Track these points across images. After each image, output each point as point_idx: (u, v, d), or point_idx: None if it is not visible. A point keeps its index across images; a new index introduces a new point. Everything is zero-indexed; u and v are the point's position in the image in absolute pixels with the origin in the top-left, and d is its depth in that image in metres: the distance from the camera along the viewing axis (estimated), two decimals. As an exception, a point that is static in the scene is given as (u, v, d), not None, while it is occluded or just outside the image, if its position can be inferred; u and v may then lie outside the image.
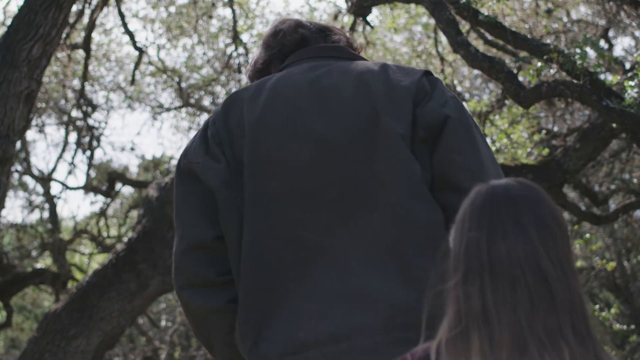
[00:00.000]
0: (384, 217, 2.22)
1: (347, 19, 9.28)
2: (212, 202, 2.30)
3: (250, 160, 2.30)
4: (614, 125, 5.90)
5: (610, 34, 10.06)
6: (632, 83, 5.40)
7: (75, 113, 11.84)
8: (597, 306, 9.96)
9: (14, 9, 12.36)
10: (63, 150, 12.44)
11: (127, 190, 14.49)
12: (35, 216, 14.65)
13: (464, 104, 10.54)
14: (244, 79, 10.67)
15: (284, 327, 2.19)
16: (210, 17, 10.72)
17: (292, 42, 2.60)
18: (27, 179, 13.97)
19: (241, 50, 10.51)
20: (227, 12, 16.18)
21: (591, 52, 7.10)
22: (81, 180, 20.06)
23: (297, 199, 2.26)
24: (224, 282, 2.29)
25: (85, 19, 9.78)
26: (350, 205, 2.24)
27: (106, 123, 13.32)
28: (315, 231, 2.24)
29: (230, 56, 10.64)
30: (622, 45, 31.87)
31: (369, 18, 8.26)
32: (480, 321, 1.63)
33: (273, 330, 2.19)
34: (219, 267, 2.30)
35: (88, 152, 12.23)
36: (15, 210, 33.50)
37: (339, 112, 2.32)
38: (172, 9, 10.94)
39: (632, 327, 10.76)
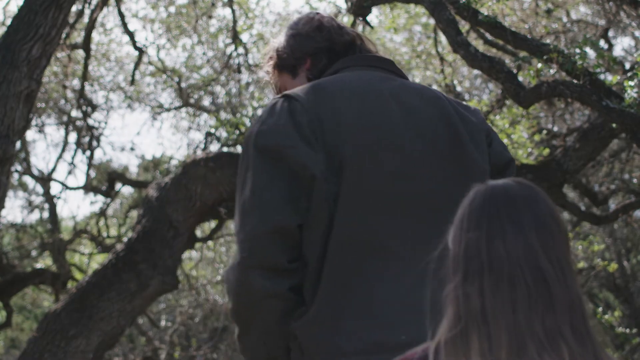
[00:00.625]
0: None
1: (346, 19, 9.28)
2: (296, 188, 2.31)
3: (349, 161, 2.33)
4: (614, 125, 5.90)
5: (610, 34, 10.06)
6: (632, 83, 5.40)
7: (75, 113, 11.84)
8: (600, 309, 9.96)
9: (13, 9, 12.35)
10: (63, 150, 12.44)
11: (127, 190, 14.49)
12: (35, 216, 14.65)
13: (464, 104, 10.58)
14: (244, 79, 10.67)
15: (363, 326, 2.25)
16: (210, 17, 10.72)
17: (343, 43, 2.67)
18: (27, 179, 13.98)
19: (241, 50, 10.51)
20: (227, 12, 16.19)
21: (591, 52, 7.10)
22: (81, 180, 20.06)
23: (387, 206, 2.35)
24: (291, 270, 2.32)
25: (85, 19, 9.78)
26: (430, 223, 2.35)
27: (106, 123, 13.33)
28: (397, 239, 2.33)
29: (230, 56, 10.64)
30: (622, 45, 31.89)
31: (368, 18, 8.25)
32: (479, 321, 1.63)
33: (351, 327, 2.25)
34: (291, 253, 2.32)
35: (88, 152, 12.22)
36: (15, 210, 33.50)
37: (424, 133, 2.44)
38: (172, 9, 10.94)
39: (635, 330, 10.76)
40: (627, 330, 9.68)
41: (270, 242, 2.29)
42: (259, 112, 10.28)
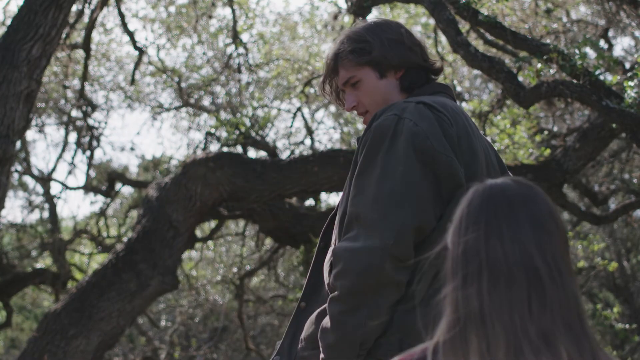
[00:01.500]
0: None
1: (347, 19, 9.28)
2: (439, 193, 2.49)
3: (479, 179, 2.45)
4: (614, 125, 5.90)
5: (610, 34, 10.05)
6: (631, 83, 5.40)
7: (75, 113, 11.84)
8: (599, 306, 9.95)
9: (14, 9, 12.35)
10: (63, 150, 12.43)
11: (127, 190, 14.48)
12: (35, 216, 14.64)
13: (464, 104, 10.57)
14: (244, 79, 10.67)
15: None
16: (210, 17, 10.72)
17: (437, 69, 2.90)
18: (27, 179, 13.97)
19: (241, 50, 10.51)
20: (227, 12, 16.19)
21: (591, 52, 7.10)
22: (81, 180, 20.06)
23: None
24: (410, 265, 2.47)
25: (85, 19, 9.77)
26: None
27: (106, 123, 13.28)
28: None
29: (230, 56, 10.64)
30: (621, 45, 31.88)
31: (368, 18, 8.26)
32: (478, 322, 1.63)
33: None
34: (414, 250, 2.47)
35: (88, 152, 12.22)
36: (15, 210, 33.55)
37: (493, 161, 2.73)
38: (172, 9, 10.94)
39: (634, 326, 10.76)
40: (627, 326, 9.66)
41: (412, 237, 2.45)
42: (259, 112, 10.30)
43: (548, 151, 8.71)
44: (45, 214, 13.73)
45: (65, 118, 12.03)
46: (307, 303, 2.73)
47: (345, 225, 2.54)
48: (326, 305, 2.53)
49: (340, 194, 2.78)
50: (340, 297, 2.46)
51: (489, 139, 9.24)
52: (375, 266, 2.41)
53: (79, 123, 11.95)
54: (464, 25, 7.17)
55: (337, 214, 2.66)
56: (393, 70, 2.80)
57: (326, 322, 2.49)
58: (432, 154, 2.48)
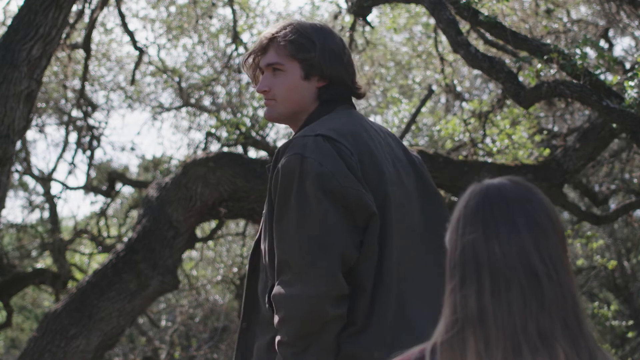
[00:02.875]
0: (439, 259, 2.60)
1: (347, 19, 9.27)
2: (355, 225, 2.58)
3: (391, 200, 2.65)
4: (614, 125, 5.90)
5: (610, 33, 10.05)
6: (632, 83, 5.40)
7: (75, 113, 11.84)
8: (596, 304, 9.94)
9: (14, 9, 12.35)
10: (63, 150, 12.43)
11: (127, 190, 14.48)
12: (35, 216, 14.65)
13: (464, 104, 10.54)
14: (245, 79, 10.66)
15: (413, 342, 2.50)
16: (211, 17, 10.72)
17: (360, 95, 2.93)
18: (27, 178, 13.97)
19: (241, 50, 10.50)
20: (227, 12, 16.19)
21: (591, 52, 7.10)
22: (81, 180, 20.03)
23: (411, 238, 2.72)
24: (347, 294, 2.59)
25: (86, 19, 9.77)
26: (419, 250, 2.75)
27: (106, 123, 13.24)
28: (415, 268, 2.72)
29: (230, 56, 10.64)
30: (622, 45, 31.88)
31: (369, 18, 8.26)
32: (476, 323, 1.63)
33: (406, 344, 2.47)
34: (346, 280, 2.60)
35: (88, 152, 12.22)
36: (15, 210, 33.51)
37: (405, 167, 2.81)
38: (173, 9, 10.94)
39: (631, 322, 10.76)
40: (624, 323, 9.67)
41: (340, 272, 2.56)
42: (260, 112, 10.29)
43: (548, 151, 8.70)
44: (46, 214, 13.74)
45: (65, 118, 12.03)
46: (248, 323, 2.82)
47: (277, 270, 2.60)
48: (275, 336, 2.62)
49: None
50: (289, 342, 2.55)
51: (488, 139, 9.26)
52: (316, 312, 2.52)
53: (79, 123, 11.95)
54: (464, 25, 7.17)
55: (264, 248, 2.72)
56: (317, 77, 2.80)
57: None
58: (341, 192, 2.55)
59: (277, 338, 2.58)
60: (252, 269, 2.82)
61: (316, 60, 2.77)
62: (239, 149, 10.02)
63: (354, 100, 2.92)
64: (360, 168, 2.61)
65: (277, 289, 2.56)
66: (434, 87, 10.49)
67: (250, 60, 2.89)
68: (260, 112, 10.30)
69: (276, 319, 2.57)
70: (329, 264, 2.52)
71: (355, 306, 2.59)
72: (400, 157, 2.80)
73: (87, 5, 9.44)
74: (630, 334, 10.94)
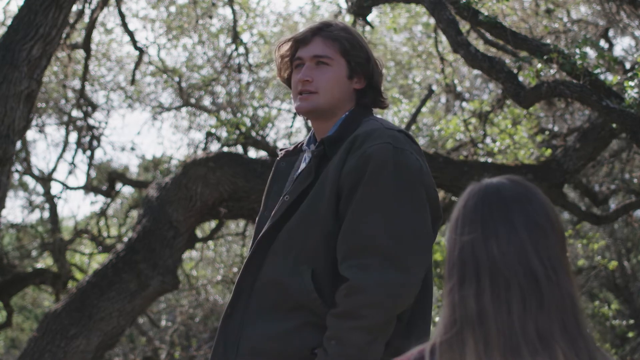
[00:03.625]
0: None
1: (347, 19, 9.27)
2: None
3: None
4: (614, 125, 5.90)
5: (610, 33, 10.05)
6: (632, 83, 5.40)
7: (75, 113, 11.84)
8: (596, 303, 9.94)
9: (14, 9, 12.35)
10: (63, 150, 12.44)
11: (127, 190, 14.48)
12: (35, 216, 14.66)
13: (465, 104, 10.54)
14: (244, 79, 10.67)
15: None
16: (211, 16, 10.72)
17: (385, 105, 3.00)
18: (28, 178, 13.98)
19: (241, 50, 10.50)
20: (227, 12, 16.19)
21: (591, 52, 7.10)
22: (81, 180, 20.03)
23: None
24: None
25: (86, 19, 9.77)
26: None
27: (106, 123, 13.22)
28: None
29: (230, 56, 10.63)
30: (622, 45, 31.87)
31: (369, 18, 8.25)
32: (475, 323, 1.63)
33: None
34: None
35: (88, 152, 12.22)
36: (15, 210, 33.49)
37: None
38: (173, 9, 10.94)
39: (631, 321, 10.76)
40: (624, 322, 9.67)
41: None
42: (260, 112, 10.29)
43: (549, 151, 8.70)
44: (46, 214, 13.75)
45: (65, 118, 12.03)
46: (232, 310, 2.76)
47: (351, 252, 2.57)
48: (311, 321, 2.61)
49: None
50: (371, 328, 2.53)
51: (489, 139, 9.26)
52: (407, 301, 2.58)
53: (79, 123, 11.95)
54: (464, 25, 7.17)
55: (308, 233, 2.67)
56: (359, 78, 2.86)
57: (344, 347, 2.53)
58: (430, 191, 2.65)
59: (351, 323, 2.52)
60: (256, 255, 2.76)
61: (363, 62, 2.84)
62: (239, 149, 10.02)
63: None
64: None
65: (358, 273, 2.53)
66: (434, 87, 10.50)
67: (286, 47, 2.90)
68: (261, 112, 10.30)
69: (354, 303, 2.52)
70: (427, 255, 2.60)
71: (414, 314, 2.69)
72: None
73: (87, 5, 9.44)
74: (630, 334, 10.95)
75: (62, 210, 36.27)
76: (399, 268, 2.52)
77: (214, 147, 10.96)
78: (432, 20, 9.39)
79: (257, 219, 2.93)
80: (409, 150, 2.63)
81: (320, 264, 2.62)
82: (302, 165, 2.88)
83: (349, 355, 2.52)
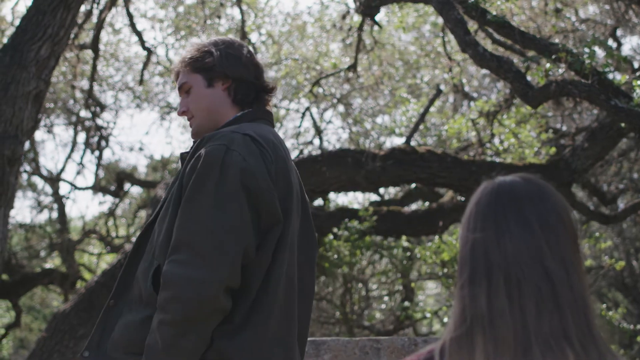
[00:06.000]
0: None
1: (355, 19, 9.27)
2: (257, 228, 2.66)
3: (290, 213, 2.75)
4: (622, 124, 5.89)
5: (619, 33, 10.03)
6: (640, 82, 5.39)
7: (83, 113, 11.87)
8: (604, 305, 9.92)
9: (22, 9, 12.38)
10: (72, 150, 12.48)
11: (135, 190, 14.50)
12: (44, 216, 14.69)
13: (472, 103, 10.52)
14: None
15: (287, 358, 2.77)
16: (219, 17, 10.73)
17: (270, 89, 3.03)
18: (36, 179, 14.00)
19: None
20: (235, 12, 16.20)
21: (599, 52, 7.08)
22: (90, 180, 20.05)
23: (299, 252, 2.82)
24: (234, 290, 2.65)
25: (94, 19, 9.79)
26: (312, 267, 2.97)
27: (114, 123, 13.29)
28: (303, 280, 2.85)
29: (238, 56, 10.63)
30: (630, 44, 31.79)
31: (377, 17, 8.26)
32: (485, 322, 1.62)
33: (280, 357, 2.73)
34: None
35: (97, 152, 12.26)
36: (24, 210, 33.60)
37: (299, 194, 2.89)
38: (181, 9, 10.95)
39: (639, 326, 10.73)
40: (632, 327, 9.64)
41: (239, 267, 2.62)
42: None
43: (554, 150, 8.69)
44: (54, 214, 13.77)
45: (74, 118, 12.06)
46: (116, 301, 2.84)
47: (172, 248, 2.63)
48: (152, 315, 2.64)
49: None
50: (174, 322, 2.57)
51: (496, 139, 9.25)
52: (211, 297, 2.56)
53: (87, 123, 11.98)
54: (472, 25, 7.16)
55: (160, 229, 2.75)
56: (221, 80, 2.90)
57: (155, 342, 2.60)
58: (257, 192, 2.64)
59: (159, 316, 2.59)
60: (136, 248, 2.87)
61: (213, 64, 2.89)
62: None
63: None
64: (275, 177, 2.71)
65: (170, 267, 2.59)
66: (442, 87, 10.48)
67: (177, 90, 3.02)
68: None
69: (163, 297, 2.58)
70: (236, 254, 2.58)
71: (236, 305, 2.64)
72: (300, 190, 2.90)
73: (95, 5, 9.46)
74: (639, 339, 10.92)
75: (71, 210, 36.35)
76: (206, 264, 2.56)
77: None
78: (440, 20, 9.38)
79: None
80: (239, 151, 2.66)
81: (164, 260, 2.68)
82: None
83: (157, 349, 2.59)
